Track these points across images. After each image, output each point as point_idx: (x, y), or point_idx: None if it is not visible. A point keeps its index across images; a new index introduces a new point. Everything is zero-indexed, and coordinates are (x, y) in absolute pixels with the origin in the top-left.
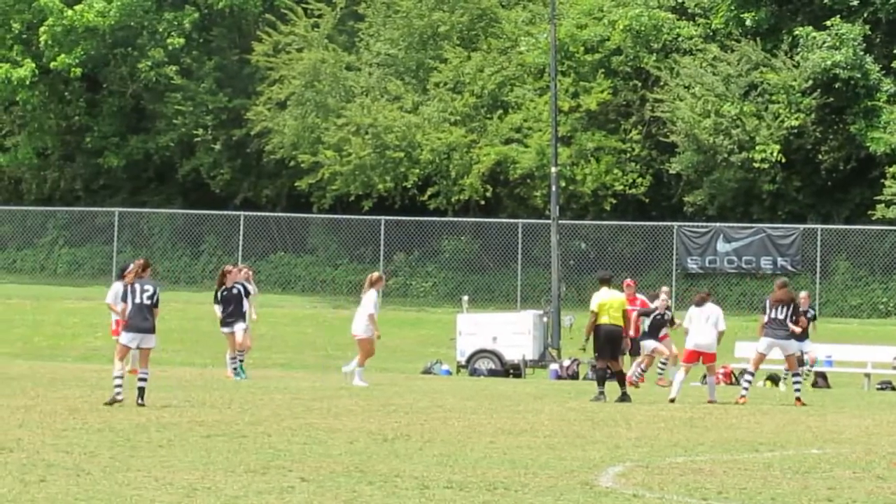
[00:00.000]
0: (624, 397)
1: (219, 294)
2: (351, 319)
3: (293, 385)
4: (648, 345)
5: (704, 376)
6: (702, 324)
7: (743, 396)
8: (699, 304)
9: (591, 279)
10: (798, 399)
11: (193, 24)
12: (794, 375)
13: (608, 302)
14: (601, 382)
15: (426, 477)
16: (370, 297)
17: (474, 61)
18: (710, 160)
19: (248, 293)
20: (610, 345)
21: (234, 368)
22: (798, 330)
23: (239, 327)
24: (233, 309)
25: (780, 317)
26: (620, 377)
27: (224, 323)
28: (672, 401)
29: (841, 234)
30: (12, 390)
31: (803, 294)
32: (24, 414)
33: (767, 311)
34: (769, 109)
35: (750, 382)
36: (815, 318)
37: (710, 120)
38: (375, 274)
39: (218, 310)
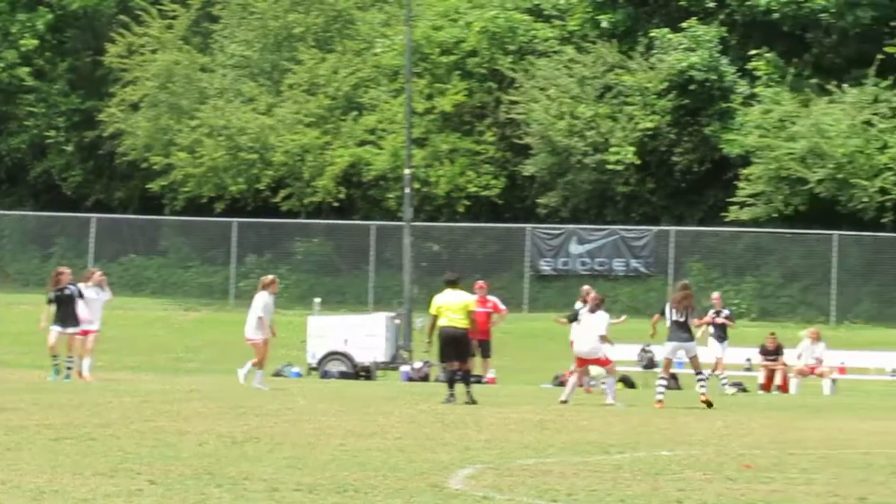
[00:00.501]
0: (451, 398)
1: (52, 295)
2: (203, 322)
3: (143, 388)
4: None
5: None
6: (585, 331)
7: (660, 402)
8: (592, 309)
9: (442, 281)
10: (703, 396)
11: (47, 25)
12: (697, 374)
13: (446, 304)
14: (450, 385)
15: (276, 479)
16: (259, 300)
17: (329, 63)
18: (564, 162)
19: (82, 295)
20: (452, 347)
21: (56, 365)
22: (696, 326)
23: (74, 330)
24: (66, 310)
25: (681, 319)
26: (467, 377)
27: (58, 323)
28: (563, 402)
29: (694, 235)
30: None
31: (716, 295)
32: None
33: (667, 314)
34: (624, 111)
35: (665, 388)
36: (730, 317)
37: (565, 122)
38: (268, 277)
39: (49, 310)
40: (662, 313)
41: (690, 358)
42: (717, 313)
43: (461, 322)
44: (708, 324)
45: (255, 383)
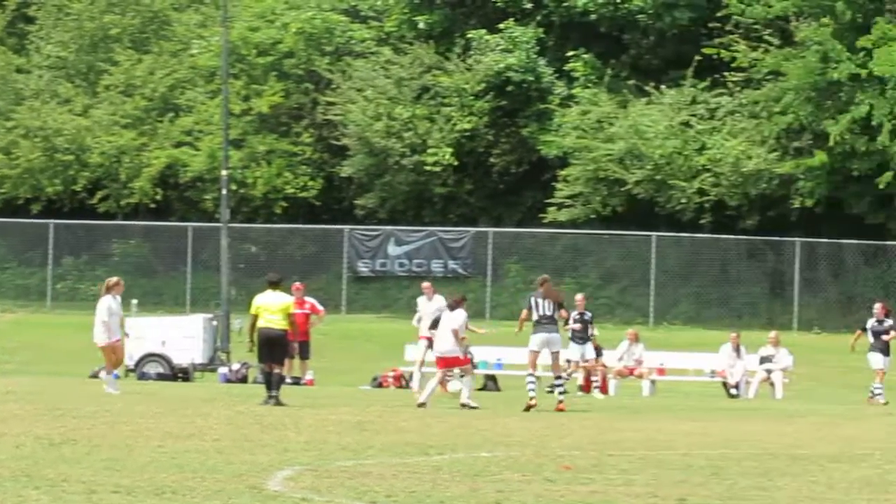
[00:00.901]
0: (270, 400)
1: None
2: (19, 323)
3: None
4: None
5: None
6: (443, 330)
7: (532, 398)
8: (451, 308)
9: (261, 283)
10: (560, 405)
11: None
12: (556, 379)
13: (265, 305)
14: (268, 386)
15: (93, 482)
16: (103, 304)
17: (145, 64)
18: (381, 163)
19: None
20: (268, 347)
21: None
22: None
23: None
24: None
25: (549, 312)
26: (278, 379)
27: None
28: (421, 405)
29: (512, 237)
30: None
31: (579, 297)
32: None
33: (533, 307)
34: (441, 112)
35: (534, 384)
36: (591, 321)
37: (382, 123)
38: (112, 279)
39: None
40: (529, 308)
41: (553, 353)
42: (581, 315)
43: (279, 323)
44: (567, 325)
45: (108, 388)
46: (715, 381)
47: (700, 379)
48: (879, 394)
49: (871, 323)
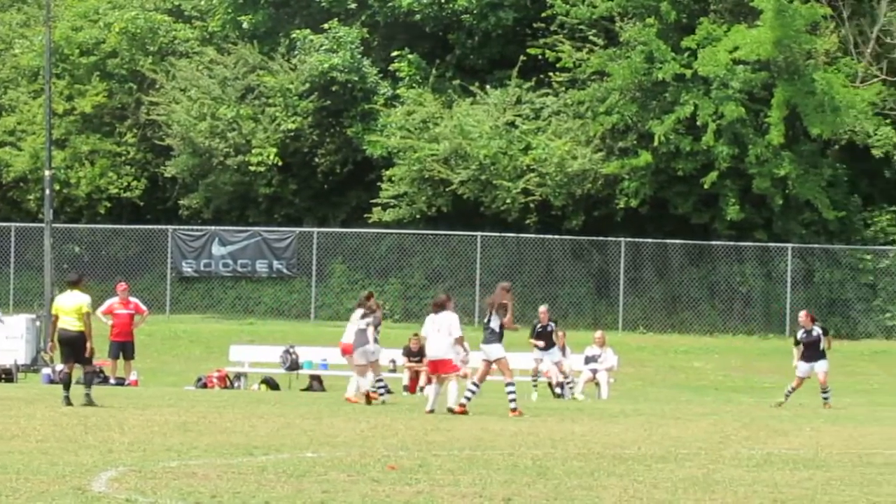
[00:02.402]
0: (65, 400)
1: None
2: None
3: None
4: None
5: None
6: (434, 333)
7: (462, 405)
8: (437, 310)
9: (84, 283)
10: (514, 412)
11: None
12: (508, 385)
13: (61, 306)
14: (65, 387)
15: None
16: None
17: None
18: (206, 163)
19: None
20: (67, 348)
21: None
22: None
23: None
24: None
25: (487, 321)
26: (86, 379)
27: None
28: (430, 411)
29: (337, 237)
30: None
31: (542, 308)
32: None
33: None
34: (266, 112)
35: (474, 393)
36: (553, 331)
37: (207, 123)
38: None
39: None
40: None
41: (496, 361)
42: (544, 328)
43: (74, 324)
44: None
45: None
46: (541, 382)
47: (526, 379)
48: (826, 398)
49: (800, 334)
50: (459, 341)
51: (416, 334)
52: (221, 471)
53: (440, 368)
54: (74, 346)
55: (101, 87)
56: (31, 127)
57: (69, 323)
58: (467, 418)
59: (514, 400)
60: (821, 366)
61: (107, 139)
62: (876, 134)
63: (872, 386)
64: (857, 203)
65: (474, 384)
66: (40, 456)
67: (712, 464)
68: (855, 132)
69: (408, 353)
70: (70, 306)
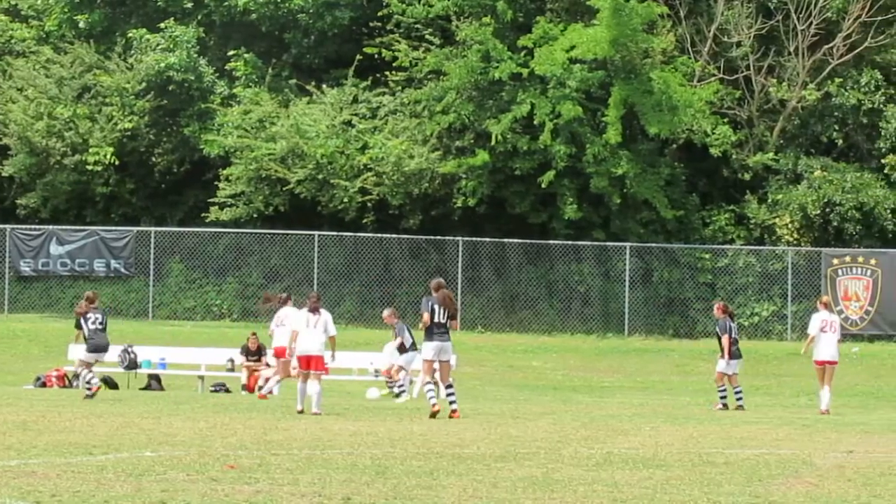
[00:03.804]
0: None
1: None
2: None
3: None
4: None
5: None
6: (308, 329)
7: (434, 404)
8: (314, 309)
9: None
10: (454, 412)
11: None
12: (448, 388)
13: None
14: None
15: None
16: None
17: None
18: (43, 162)
19: None
20: None
21: None
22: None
23: None
24: None
25: (443, 320)
26: None
27: None
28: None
29: (175, 236)
30: None
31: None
32: None
33: (430, 312)
34: (103, 112)
35: (433, 391)
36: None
37: (44, 122)
38: None
39: None
40: (432, 313)
41: (442, 363)
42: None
43: None
44: None
45: None
46: (379, 381)
47: (365, 378)
48: (724, 398)
49: (726, 326)
50: (333, 340)
51: (253, 333)
52: (61, 470)
53: (313, 365)
54: None
55: None
56: None
57: None
58: (305, 418)
59: (453, 402)
60: (740, 364)
61: None
62: (714, 133)
63: (711, 385)
64: (696, 202)
65: (432, 383)
66: None
67: (552, 463)
68: (693, 131)
69: (246, 351)
70: None
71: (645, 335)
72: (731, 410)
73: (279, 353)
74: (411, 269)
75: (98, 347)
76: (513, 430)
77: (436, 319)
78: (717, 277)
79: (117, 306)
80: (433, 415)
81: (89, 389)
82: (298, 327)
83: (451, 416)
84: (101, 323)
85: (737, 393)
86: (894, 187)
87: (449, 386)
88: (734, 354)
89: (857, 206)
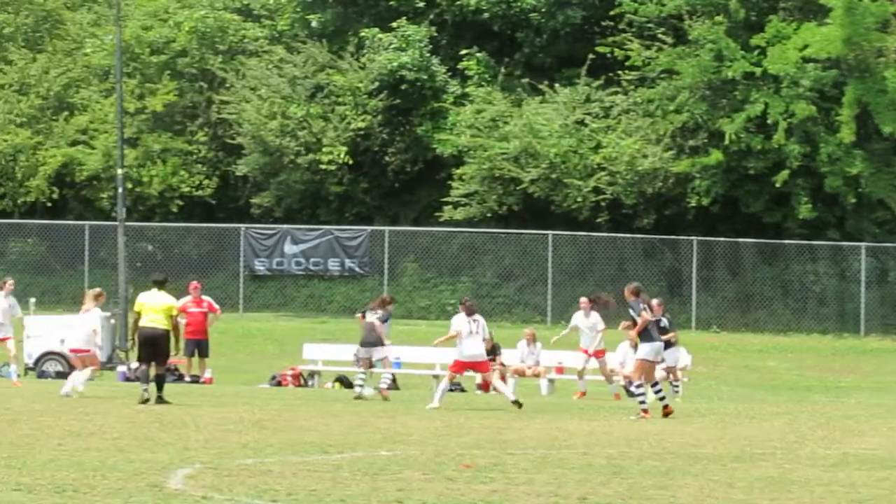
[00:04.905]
0: (145, 393)
1: None
2: None
3: None
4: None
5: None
6: (471, 335)
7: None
8: (469, 313)
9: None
10: (666, 407)
11: None
12: (654, 384)
13: (150, 304)
14: (143, 380)
15: None
16: None
17: (40, 63)
18: (276, 162)
19: None
20: (150, 347)
21: None
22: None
23: None
24: None
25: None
26: (161, 380)
27: None
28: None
29: (408, 235)
30: None
31: (655, 301)
32: None
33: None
34: (336, 111)
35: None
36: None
37: (277, 122)
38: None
39: None
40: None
41: (654, 363)
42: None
43: (162, 323)
44: None
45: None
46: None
47: (598, 378)
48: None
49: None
50: (489, 343)
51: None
52: (296, 468)
53: (477, 368)
54: (157, 346)
55: (172, 85)
56: (102, 126)
57: (155, 321)
58: (539, 417)
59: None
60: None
61: (178, 138)
62: None
63: None
64: None
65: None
66: (116, 453)
67: (788, 463)
68: None
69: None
70: (159, 305)
71: (882, 335)
72: None
73: None
74: (645, 268)
75: (366, 343)
76: (748, 430)
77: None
78: None
79: (352, 305)
80: (666, 414)
81: (361, 387)
82: (461, 332)
83: (665, 414)
84: (380, 320)
85: None
86: None
87: (656, 383)
88: None
89: None
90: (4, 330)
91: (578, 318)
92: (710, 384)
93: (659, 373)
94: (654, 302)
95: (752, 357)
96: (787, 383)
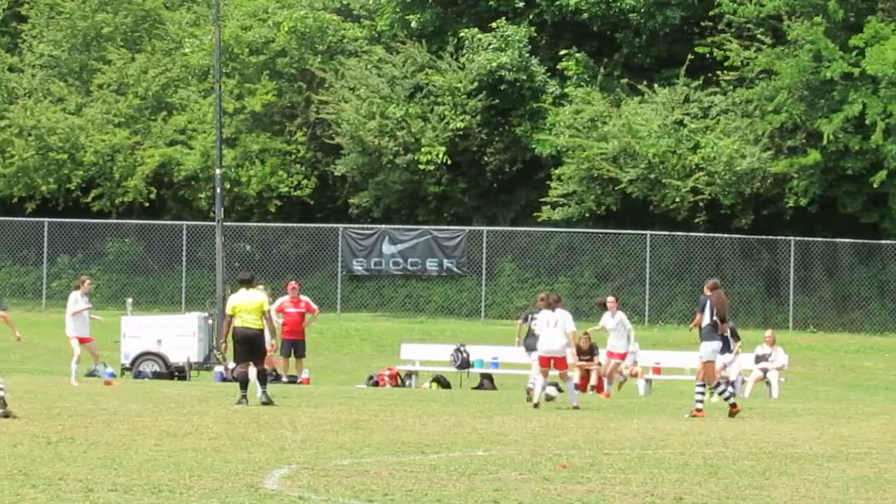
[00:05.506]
0: (243, 400)
1: None
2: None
3: None
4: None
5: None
6: (550, 328)
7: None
8: (551, 307)
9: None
10: (733, 406)
11: None
12: (716, 385)
13: (241, 304)
14: (242, 386)
15: (91, 480)
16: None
17: (138, 63)
18: (375, 162)
19: None
20: (245, 347)
21: None
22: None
23: None
24: None
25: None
26: (264, 377)
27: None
28: (536, 406)
29: (506, 235)
30: None
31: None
32: None
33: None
34: (435, 111)
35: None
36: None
37: (376, 122)
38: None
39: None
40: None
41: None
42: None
43: (255, 322)
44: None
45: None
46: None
47: (672, 378)
48: None
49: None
50: (573, 337)
51: (585, 333)
52: (393, 469)
53: (556, 364)
54: (253, 345)
55: (271, 85)
56: (201, 126)
57: (250, 321)
58: (636, 417)
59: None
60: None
61: (276, 138)
62: None
63: None
64: None
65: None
66: (213, 453)
67: (884, 463)
68: None
69: (579, 351)
70: (251, 304)
71: None
72: None
73: None
74: (743, 269)
75: (532, 346)
76: (844, 430)
77: (711, 320)
78: None
79: (449, 305)
80: (732, 413)
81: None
82: (540, 326)
83: (732, 413)
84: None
85: None
86: None
87: (718, 384)
88: None
89: None
90: (85, 329)
91: (605, 319)
92: (806, 384)
93: (733, 373)
94: (609, 299)
95: (848, 357)
96: (883, 383)
